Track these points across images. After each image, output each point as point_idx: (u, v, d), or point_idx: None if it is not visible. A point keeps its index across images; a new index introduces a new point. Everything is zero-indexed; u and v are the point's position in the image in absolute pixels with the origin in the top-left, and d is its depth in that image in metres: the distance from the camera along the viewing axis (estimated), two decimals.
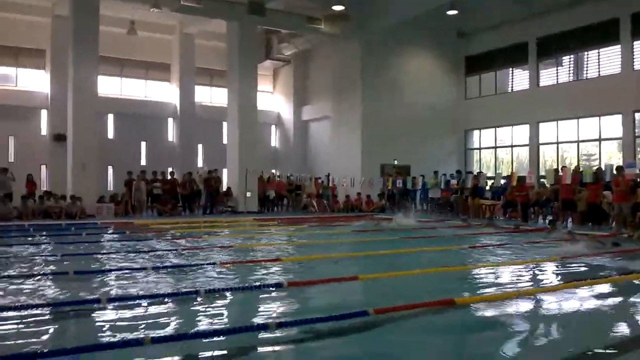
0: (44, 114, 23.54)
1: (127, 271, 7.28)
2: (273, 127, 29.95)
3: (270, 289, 6.16)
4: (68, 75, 19.08)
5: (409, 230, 13.84)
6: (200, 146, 26.83)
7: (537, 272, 7.79)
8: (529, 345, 4.36)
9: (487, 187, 19.90)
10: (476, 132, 26.00)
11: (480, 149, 25.92)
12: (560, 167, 18.85)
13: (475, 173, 20.87)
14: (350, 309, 4.87)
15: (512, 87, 24.54)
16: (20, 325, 4.67)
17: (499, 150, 25.29)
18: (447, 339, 4.49)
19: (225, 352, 4.05)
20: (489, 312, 5.25)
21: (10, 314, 4.90)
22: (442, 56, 25.56)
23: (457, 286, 6.64)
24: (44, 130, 23.50)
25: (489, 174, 22.65)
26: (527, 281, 7.19)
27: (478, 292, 6.27)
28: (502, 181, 18.99)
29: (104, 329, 4.67)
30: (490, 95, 25.01)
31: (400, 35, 23.65)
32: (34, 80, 23.80)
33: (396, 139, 23.49)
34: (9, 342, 4.15)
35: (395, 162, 23.54)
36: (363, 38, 23.47)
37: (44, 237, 11.81)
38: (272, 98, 30.30)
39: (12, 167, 18.94)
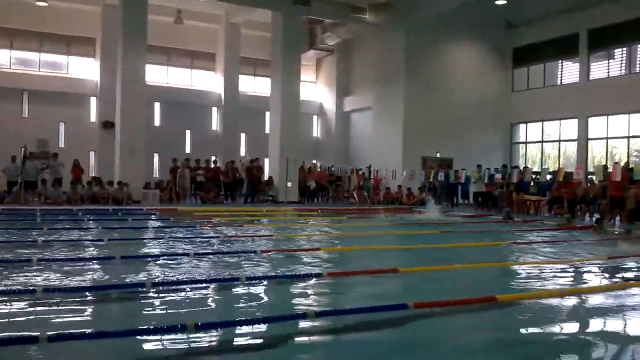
0: (93, 101, 24.24)
1: (171, 257, 7.46)
2: (315, 117, 30.00)
3: (310, 278, 6.20)
4: (117, 64, 19.58)
5: (450, 224, 13.69)
6: (243, 135, 27.14)
7: (583, 270, 7.59)
8: (572, 346, 4.26)
9: (532, 183, 19.44)
10: (522, 126, 25.42)
11: (526, 143, 25.33)
12: (609, 163, 18.24)
13: (521, 168, 20.42)
14: (389, 302, 4.86)
15: (561, 79, 23.85)
16: (68, 307, 4.84)
17: (546, 145, 24.65)
18: (487, 337, 4.43)
19: (264, 339, 4.11)
20: (532, 311, 5.14)
21: (58, 295, 5.08)
22: (488, 47, 25.02)
23: (498, 283, 6.54)
24: (93, 117, 24.22)
25: (535, 169, 22.11)
26: (573, 280, 7.01)
27: (520, 289, 6.16)
28: (548, 177, 18.50)
29: (148, 313, 4.81)
30: (538, 87, 24.39)
31: (445, 25, 23.28)
32: (84, 68, 24.52)
33: (439, 131, 23.20)
34: (56, 322, 4.31)
35: (438, 155, 23.27)
36: (407, 28, 23.20)
37: (91, 222, 12.18)
38: (315, 88, 30.34)
39: (62, 153, 19.64)
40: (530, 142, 25.19)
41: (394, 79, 23.83)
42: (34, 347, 3.48)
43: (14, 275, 5.90)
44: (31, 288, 5.16)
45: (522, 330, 4.65)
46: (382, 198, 21.98)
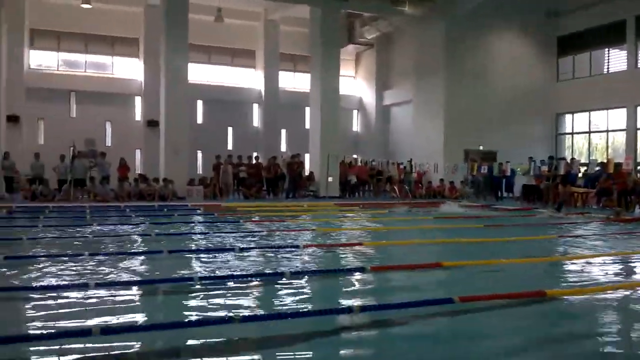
0: (138, 100, 24.81)
1: (216, 251, 7.60)
2: (355, 111, 29.93)
3: (353, 272, 6.21)
4: (160, 63, 19.99)
5: (494, 218, 13.47)
6: (283, 131, 27.31)
7: (635, 264, 7.36)
8: (624, 344, 4.14)
9: (580, 174, 18.92)
10: (568, 116, 24.72)
11: (572, 133, 24.63)
12: None
13: (568, 159, 19.89)
14: (434, 296, 4.83)
15: (608, 68, 23.07)
16: (118, 300, 5.00)
17: (593, 136, 23.92)
18: (536, 332, 4.35)
19: (309, 333, 4.14)
20: (583, 306, 5.03)
21: (108, 289, 5.25)
22: (531, 37, 24.39)
23: (546, 277, 6.41)
24: (138, 116, 24.79)
25: (582, 161, 21.49)
26: (625, 274, 6.81)
27: (570, 284, 6.02)
28: (597, 168, 17.96)
29: (196, 306, 4.92)
30: (584, 77, 23.65)
31: (486, 15, 22.81)
32: (129, 68, 25.11)
33: (481, 123, 22.80)
34: (107, 317, 4.46)
35: (481, 148, 22.87)
36: (447, 19, 22.84)
37: (139, 218, 12.50)
38: (354, 82, 30.25)
39: (109, 152, 20.18)
40: (576, 133, 24.48)
41: (435, 71, 23.52)
42: (86, 339, 3.60)
43: (68, 270, 6.13)
44: (84, 282, 5.35)
45: (573, 326, 4.54)
46: (424, 192, 21.78)
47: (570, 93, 23.88)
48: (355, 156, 24.46)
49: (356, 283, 5.90)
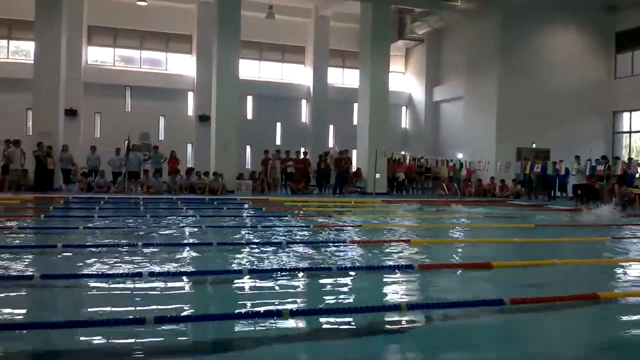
0: (190, 95, 25.34)
1: (264, 245, 7.70)
2: (404, 108, 29.68)
3: (401, 270, 6.18)
4: (212, 59, 20.35)
5: (546, 219, 13.11)
6: (331, 127, 27.37)
7: None
8: None
9: (638, 175, 18.16)
10: (626, 114, 23.76)
11: (630, 132, 23.66)
12: None
13: (625, 159, 19.12)
14: (483, 297, 4.75)
15: None
16: (169, 290, 5.13)
17: None
18: (588, 336, 4.22)
19: (356, 329, 4.15)
20: (639, 309, 4.84)
21: (160, 279, 5.40)
22: (588, 32, 23.54)
23: (600, 279, 6.19)
24: (190, 111, 25.33)
25: None
26: None
27: (625, 286, 5.80)
28: None
29: (245, 298, 5.00)
30: None
31: (541, 10, 22.18)
32: (182, 64, 25.68)
33: (534, 120, 22.18)
34: (157, 307, 4.59)
35: (534, 145, 22.27)
36: (501, 14, 22.32)
37: (190, 210, 12.78)
38: (404, 79, 29.97)
39: (162, 145, 20.71)
40: (635, 132, 23.51)
41: (487, 67, 23.04)
42: (140, 328, 3.71)
43: (122, 259, 6.33)
44: (138, 271, 5.53)
45: (627, 331, 4.38)
46: (474, 190, 21.40)
47: (628, 90, 22.93)
48: (403, 153, 24.24)
49: (403, 280, 5.86)
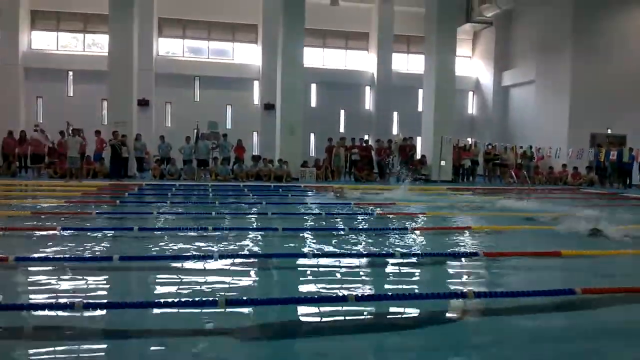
0: (256, 84, 25.77)
1: (327, 231, 7.80)
2: (470, 93, 28.97)
3: (465, 257, 6.11)
4: (277, 48, 20.59)
5: (620, 206, 12.52)
6: (395, 114, 27.11)
7: None
8: None
9: None
10: None
11: None
12: None
13: None
14: (551, 286, 4.63)
15: None
16: (238, 273, 5.31)
17: None
18: None
19: (418, 315, 4.16)
20: None
21: (230, 262, 5.59)
22: None
23: None
24: (256, 100, 25.77)
25: None
26: None
27: None
28: None
29: (309, 282, 5.11)
30: None
31: None
32: (248, 54, 26.11)
33: (610, 105, 21.14)
34: (232, 286, 4.77)
35: (609, 131, 21.24)
36: None
37: (256, 197, 13.08)
38: (471, 63, 29.21)
39: (228, 134, 21.19)
40: None
41: (560, 49, 22.10)
42: (213, 310, 3.86)
43: (193, 243, 6.60)
44: (208, 254, 5.75)
45: None
46: (545, 178, 20.70)
47: None
48: (470, 139, 23.71)
49: (468, 268, 5.79)
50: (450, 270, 5.73)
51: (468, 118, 28.53)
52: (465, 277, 5.51)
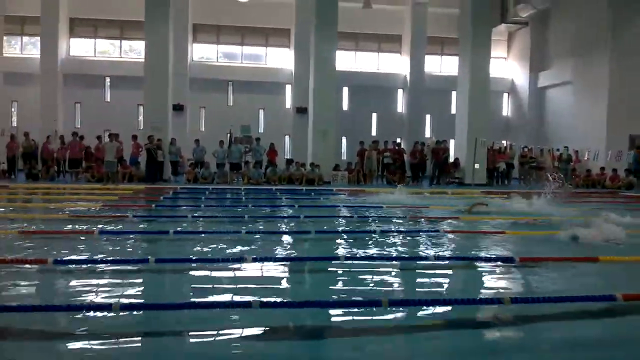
0: (288, 88, 25.92)
1: (359, 233, 7.79)
2: (505, 95, 28.53)
3: (501, 261, 6.01)
4: (310, 52, 20.67)
5: None
6: (428, 116, 26.90)
7: None
8: None
9: None
10: None
11: None
12: None
13: None
14: (589, 292, 4.52)
15: None
16: (271, 275, 5.35)
17: None
18: None
19: (453, 321, 4.11)
20: None
21: (263, 265, 5.64)
22: None
23: None
24: (288, 104, 25.92)
25: None
26: None
27: None
28: None
29: (342, 285, 5.11)
30: None
31: None
32: (280, 58, 26.29)
33: None
34: (264, 289, 4.80)
35: None
36: None
37: (288, 200, 13.14)
38: (506, 64, 28.78)
39: (262, 137, 21.36)
40: None
41: (598, 49, 21.59)
42: (247, 311, 3.90)
43: (226, 246, 6.67)
44: (241, 256, 5.81)
45: None
46: (582, 181, 20.23)
47: None
48: (504, 142, 23.34)
49: (504, 273, 5.70)
50: (486, 275, 5.65)
51: (503, 120, 28.10)
52: (501, 281, 5.42)
